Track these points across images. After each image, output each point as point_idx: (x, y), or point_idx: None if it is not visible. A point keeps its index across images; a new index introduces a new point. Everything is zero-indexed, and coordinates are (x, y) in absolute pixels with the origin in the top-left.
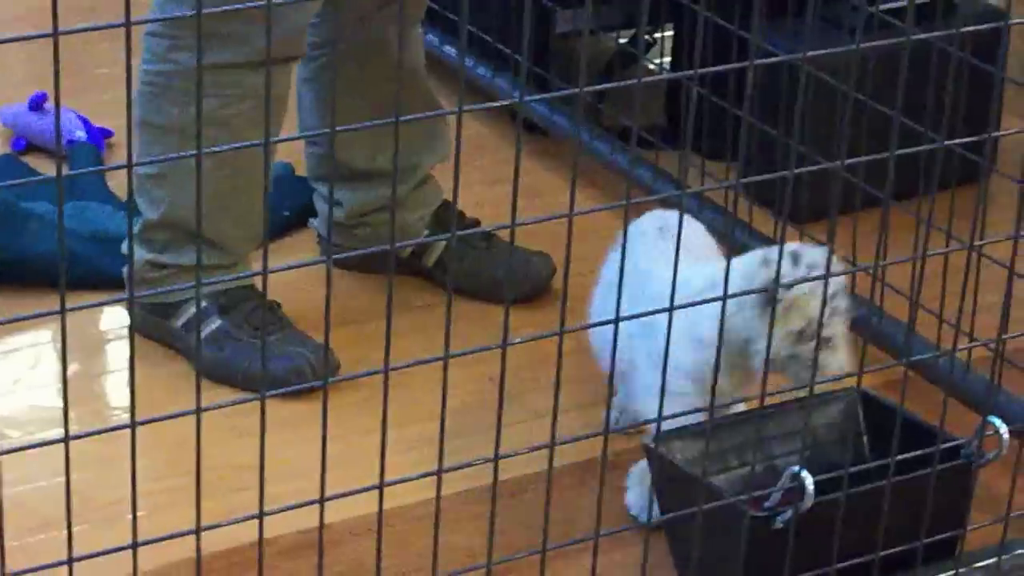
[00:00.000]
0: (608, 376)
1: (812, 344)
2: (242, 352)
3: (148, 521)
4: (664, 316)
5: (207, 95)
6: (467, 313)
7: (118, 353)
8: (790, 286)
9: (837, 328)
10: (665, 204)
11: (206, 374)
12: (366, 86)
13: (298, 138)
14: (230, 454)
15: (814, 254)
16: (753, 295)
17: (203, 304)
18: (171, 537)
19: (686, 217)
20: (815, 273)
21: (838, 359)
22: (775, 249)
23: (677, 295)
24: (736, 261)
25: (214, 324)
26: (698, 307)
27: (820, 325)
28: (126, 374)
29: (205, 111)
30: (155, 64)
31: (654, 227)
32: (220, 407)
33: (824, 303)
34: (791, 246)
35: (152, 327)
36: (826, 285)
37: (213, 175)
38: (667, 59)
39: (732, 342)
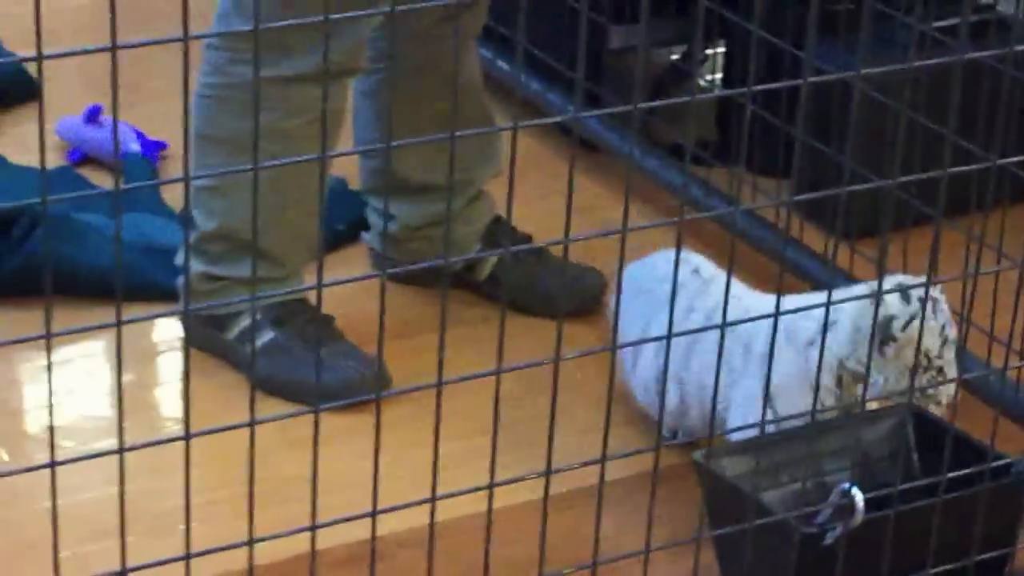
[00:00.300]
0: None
1: (928, 376)
2: (296, 365)
3: (201, 532)
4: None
5: (265, 108)
6: (518, 327)
7: (172, 365)
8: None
9: (947, 355)
10: (719, 221)
11: (259, 386)
12: (423, 101)
13: (354, 152)
14: (283, 466)
15: (920, 287)
16: (867, 334)
17: (257, 317)
18: (224, 549)
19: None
20: (909, 299)
21: (948, 388)
22: (881, 284)
23: (789, 336)
24: (845, 304)
25: (268, 336)
26: (811, 351)
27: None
28: (180, 386)
29: (263, 124)
30: (214, 77)
31: (689, 269)
32: (274, 420)
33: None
34: (895, 279)
35: (206, 339)
36: (921, 314)
37: (269, 188)
38: (719, 75)
39: (848, 380)
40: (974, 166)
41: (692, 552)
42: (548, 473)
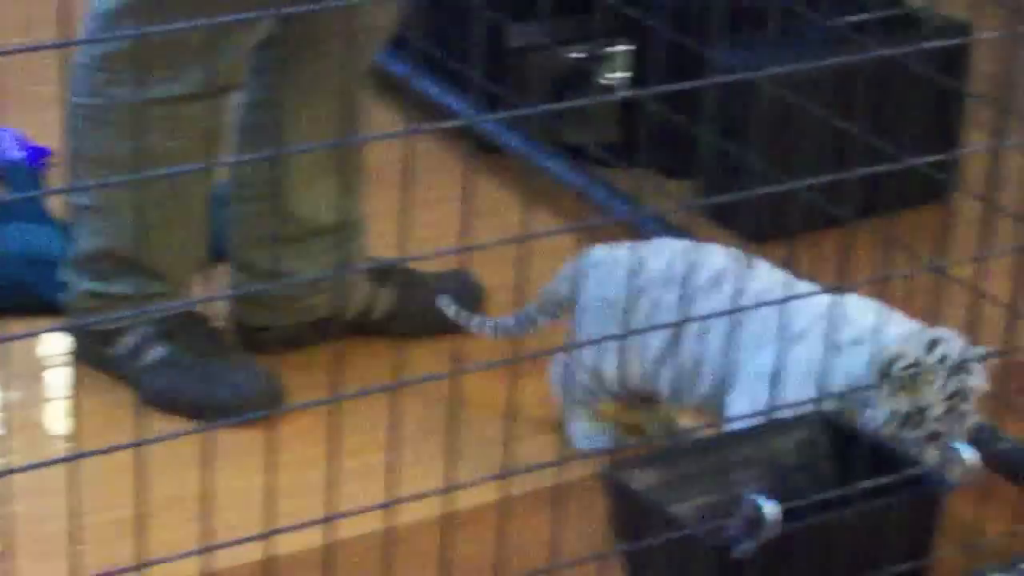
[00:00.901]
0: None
1: (916, 433)
2: (188, 379)
3: (90, 554)
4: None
5: (147, 129)
6: (419, 341)
7: (59, 381)
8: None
9: (952, 427)
10: (623, 224)
11: (151, 403)
12: (305, 125)
13: (233, 164)
14: (176, 485)
15: (953, 346)
16: (879, 362)
17: (147, 331)
18: (115, 573)
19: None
20: (948, 365)
21: (959, 464)
22: (937, 332)
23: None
24: (900, 325)
25: (158, 352)
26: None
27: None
28: (68, 402)
29: (143, 146)
30: (89, 98)
31: (726, 255)
32: (162, 439)
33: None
34: (938, 333)
35: (94, 355)
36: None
37: (151, 206)
38: (623, 74)
39: (851, 400)
40: (884, 166)
41: (597, 568)
42: (449, 490)
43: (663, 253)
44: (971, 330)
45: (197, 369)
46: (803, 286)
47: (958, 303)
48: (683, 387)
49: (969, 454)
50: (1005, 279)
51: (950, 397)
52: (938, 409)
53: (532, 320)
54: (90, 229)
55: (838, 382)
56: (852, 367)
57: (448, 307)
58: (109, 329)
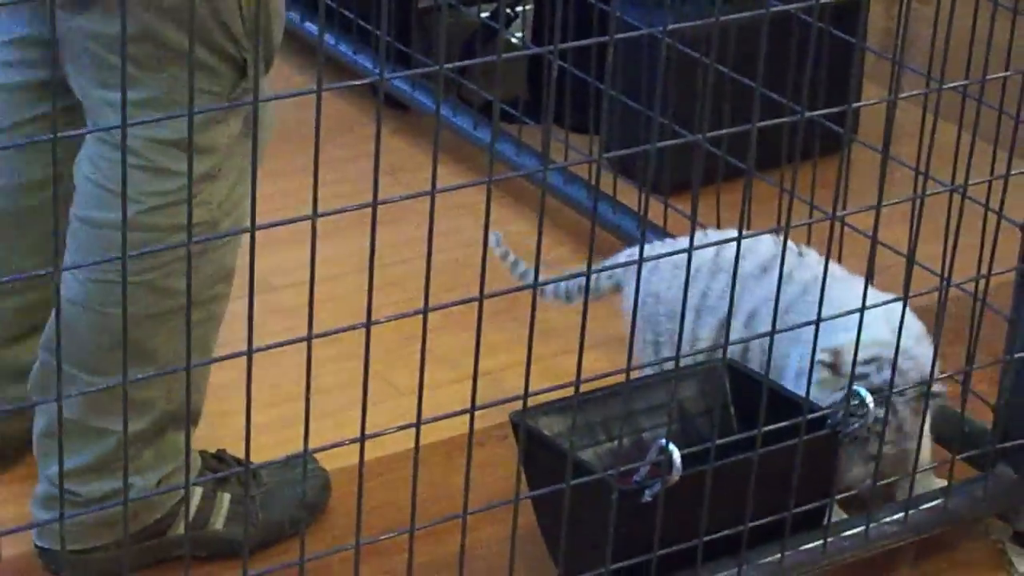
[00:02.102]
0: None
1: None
2: (271, 507)
3: None
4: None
5: None
6: (330, 291)
7: None
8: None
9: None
10: (531, 179)
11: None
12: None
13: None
14: None
15: (909, 366)
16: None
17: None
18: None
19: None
20: (901, 375)
21: (854, 471)
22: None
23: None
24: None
25: (225, 502)
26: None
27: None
28: None
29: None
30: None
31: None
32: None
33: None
34: (885, 352)
35: (141, 555)
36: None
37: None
38: (528, 32)
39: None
40: (783, 119)
41: (511, 514)
42: (363, 439)
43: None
44: (868, 278)
45: (268, 494)
46: (848, 278)
47: (858, 252)
48: None
49: (869, 397)
50: (902, 228)
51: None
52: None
53: (571, 297)
54: (135, 410)
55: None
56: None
57: (498, 246)
58: (162, 516)
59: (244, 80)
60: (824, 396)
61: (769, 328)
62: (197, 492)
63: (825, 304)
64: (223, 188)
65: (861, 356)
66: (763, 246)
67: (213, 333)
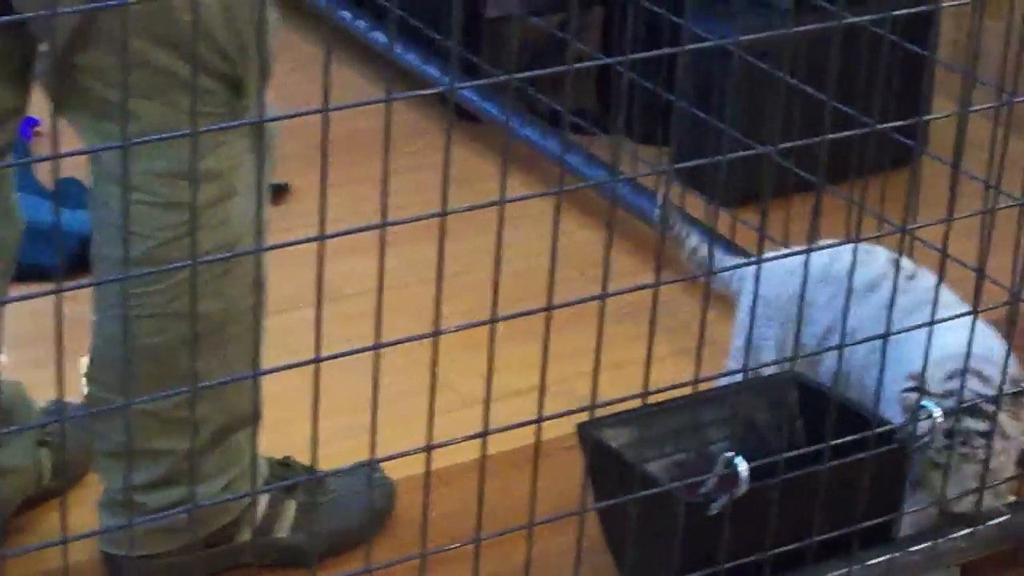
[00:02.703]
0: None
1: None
2: (336, 513)
3: None
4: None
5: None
6: (398, 300)
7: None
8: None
9: (953, 460)
10: (599, 190)
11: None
12: None
13: None
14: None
15: (974, 383)
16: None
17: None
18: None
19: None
20: (987, 382)
21: (950, 490)
22: (972, 363)
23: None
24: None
25: (291, 508)
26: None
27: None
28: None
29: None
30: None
31: (886, 258)
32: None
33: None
34: (972, 364)
35: (208, 563)
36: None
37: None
38: (598, 43)
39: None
40: (854, 131)
41: (577, 525)
42: (429, 448)
43: (829, 252)
44: (936, 292)
45: (334, 501)
46: (953, 302)
47: (927, 264)
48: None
49: (939, 412)
50: (971, 241)
51: (948, 435)
52: (937, 442)
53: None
54: (199, 420)
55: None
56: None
57: (672, 213)
58: (228, 522)
59: (243, 98)
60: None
61: (867, 351)
62: (263, 499)
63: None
64: (241, 204)
65: (943, 373)
66: (878, 262)
67: (258, 342)
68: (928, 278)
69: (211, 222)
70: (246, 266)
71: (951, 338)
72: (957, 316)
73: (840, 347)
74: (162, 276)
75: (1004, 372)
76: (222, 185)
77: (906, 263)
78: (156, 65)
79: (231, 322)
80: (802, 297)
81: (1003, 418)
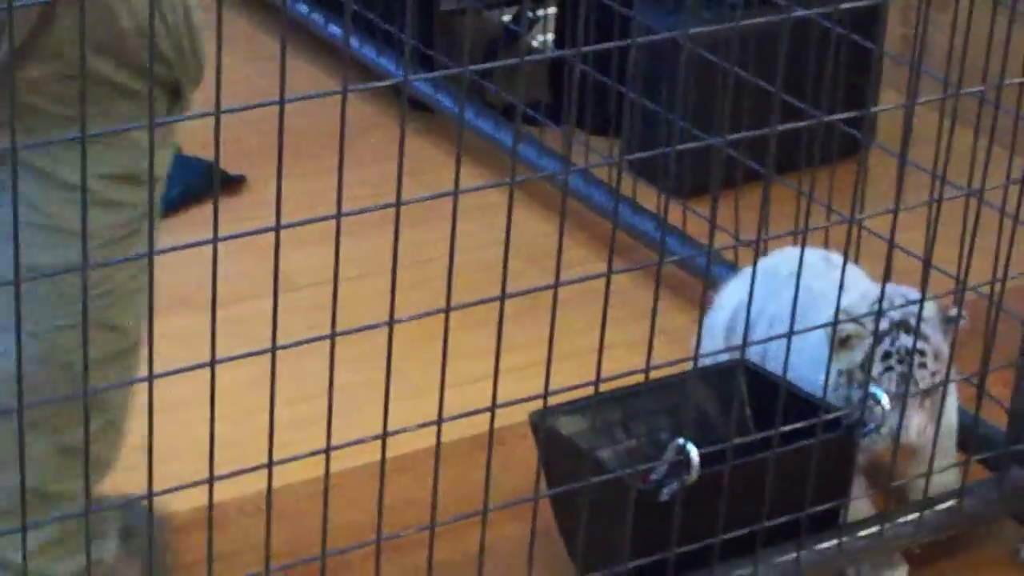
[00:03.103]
0: None
1: (857, 393)
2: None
3: None
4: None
5: None
6: (353, 291)
7: None
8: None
9: (889, 385)
10: (552, 181)
11: None
12: None
13: None
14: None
15: (898, 304)
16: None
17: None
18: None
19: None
20: (898, 318)
21: (888, 422)
22: (888, 289)
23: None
24: (868, 287)
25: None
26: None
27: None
28: None
29: None
30: None
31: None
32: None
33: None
34: (905, 290)
35: None
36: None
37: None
38: (551, 36)
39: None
40: (803, 123)
41: (531, 512)
42: (384, 435)
43: (774, 257)
44: (885, 280)
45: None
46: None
47: (874, 255)
48: None
49: (886, 399)
50: (919, 232)
51: (884, 356)
52: (876, 368)
53: None
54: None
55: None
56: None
57: None
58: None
59: (179, 101)
60: (840, 394)
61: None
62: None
63: (826, 303)
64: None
65: (866, 304)
66: (813, 258)
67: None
68: (852, 269)
69: (141, 228)
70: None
71: (863, 286)
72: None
73: (788, 335)
74: (101, 280)
75: (923, 294)
76: (159, 190)
77: (835, 256)
78: (97, 75)
79: (135, 347)
80: (750, 297)
81: (938, 340)
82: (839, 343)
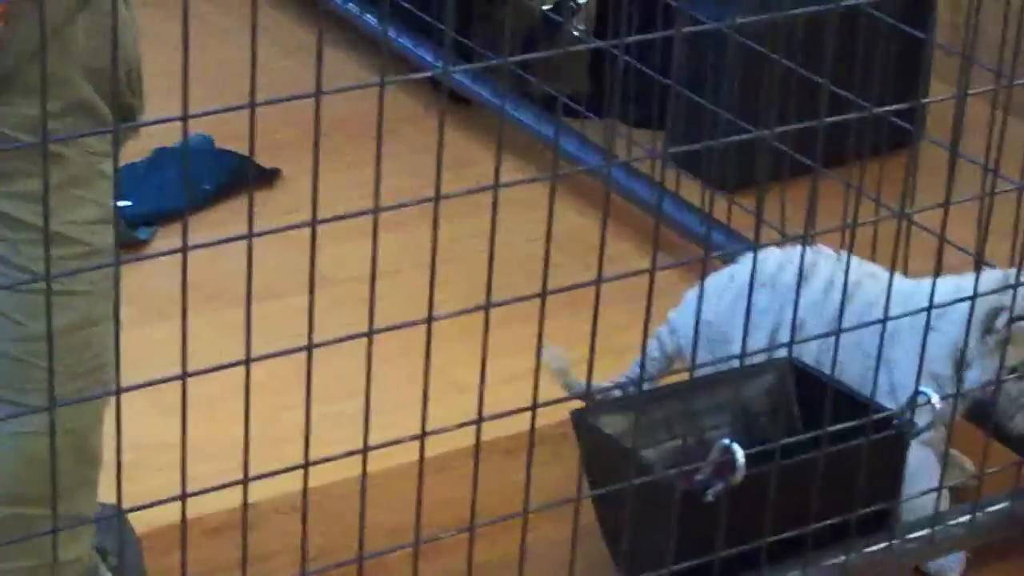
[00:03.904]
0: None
1: (1020, 386)
2: None
3: None
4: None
5: None
6: (391, 286)
7: None
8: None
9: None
10: (594, 174)
11: None
12: None
13: None
14: (152, 433)
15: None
16: (981, 318)
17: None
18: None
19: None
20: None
21: (1017, 419)
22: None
23: (914, 304)
24: (985, 276)
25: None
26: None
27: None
28: None
29: None
30: None
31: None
32: (141, 387)
33: None
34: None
35: None
36: None
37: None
38: (591, 26)
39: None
40: (851, 115)
41: (572, 512)
42: (423, 435)
43: (776, 261)
44: (936, 276)
45: None
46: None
47: (924, 249)
48: None
49: (937, 399)
50: (969, 226)
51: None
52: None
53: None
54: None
55: (941, 361)
56: (952, 334)
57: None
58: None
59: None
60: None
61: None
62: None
63: (864, 302)
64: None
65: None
66: (797, 256)
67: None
68: (827, 251)
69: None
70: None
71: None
72: (957, 301)
73: (837, 332)
74: (81, 349)
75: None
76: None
77: (828, 250)
78: (82, 102)
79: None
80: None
81: None
82: (993, 346)
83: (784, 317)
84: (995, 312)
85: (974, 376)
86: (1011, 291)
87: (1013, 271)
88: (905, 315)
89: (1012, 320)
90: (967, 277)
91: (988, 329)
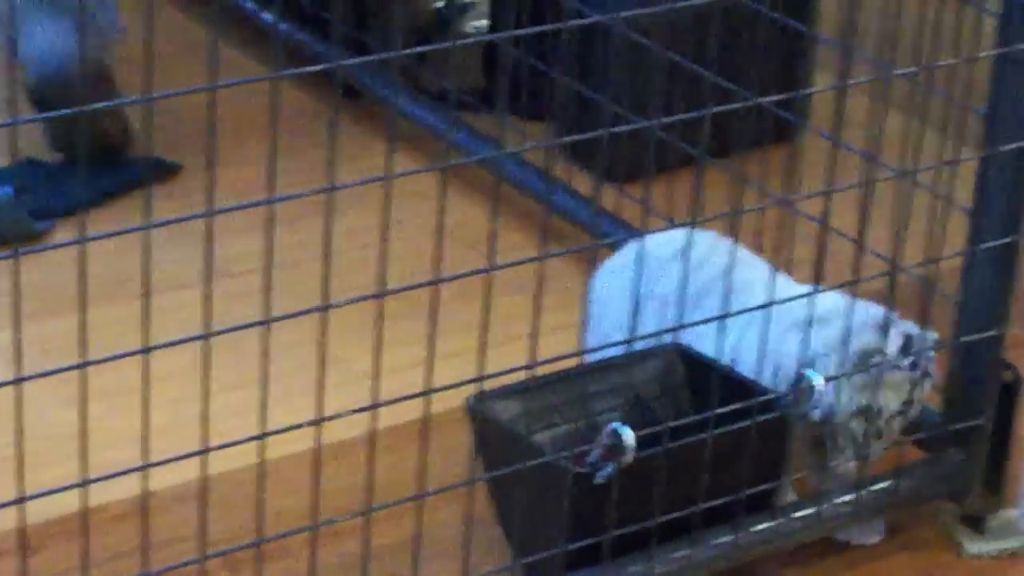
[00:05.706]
0: None
1: (866, 428)
2: None
3: None
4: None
5: None
6: (289, 278)
7: None
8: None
9: (896, 427)
10: (486, 166)
11: None
12: None
13: None
14: (53, 423)
15: (921, 349)
16: (853, 357)
17: None
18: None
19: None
20: (919, 365)
21: (876, 449)
22: (901, 323)
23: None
24: (864, 306)
25: None
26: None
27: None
28: None
29: None
30: None
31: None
32: (40, 376)
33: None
34: (908, 326)
35: None
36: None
37: None
38: (485, 21)
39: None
40: (735, 105)
41: (467, 497)
42: (320, 421)
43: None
44: (818, 263)
45: None
46: (754, 262)
47: (808, 239)
48: None
49: (820, 380)
50: (852, 215)
51: (905, 403)
52: (893, 411)
53: None
54: None
55: (790, 359)
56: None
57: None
58: None
59: None
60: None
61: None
62: None
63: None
64: None
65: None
66: (680, 234)
67: None
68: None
69: None
70: None
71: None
72: (837, 286)
73: (725, 316)
74: None
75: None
76: None
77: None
78: None
79: None
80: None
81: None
82: (874, 380)
83: (654, 293)
84: (870, 354)
85: (826, 401)
86: (886, 333)
87: (894, 313)
88: (756, 308)
89: (884, 366)
90: (850, 300)
91: (863, 366)
